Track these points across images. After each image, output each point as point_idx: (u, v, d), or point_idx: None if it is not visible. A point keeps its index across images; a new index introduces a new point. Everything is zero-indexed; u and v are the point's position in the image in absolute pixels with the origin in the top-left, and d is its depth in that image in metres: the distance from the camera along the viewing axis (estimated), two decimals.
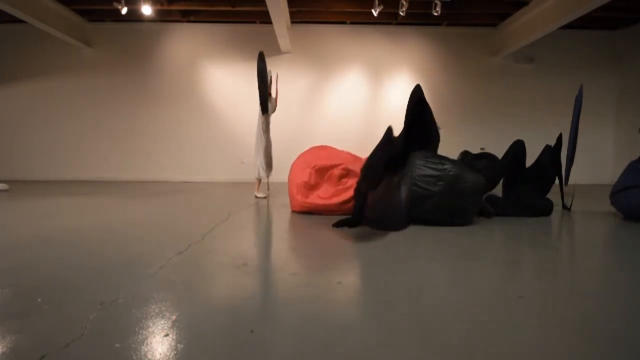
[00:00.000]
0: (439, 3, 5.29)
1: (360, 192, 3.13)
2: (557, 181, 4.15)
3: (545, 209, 3.72)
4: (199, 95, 7.09)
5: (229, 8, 6.17)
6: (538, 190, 3.90)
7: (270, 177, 4.90)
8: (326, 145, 4.27)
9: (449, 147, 4.00)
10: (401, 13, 5.51)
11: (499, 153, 6.39)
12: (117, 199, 4.68)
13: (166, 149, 7.11)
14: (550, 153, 4.06)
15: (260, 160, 4.74)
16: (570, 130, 4.36)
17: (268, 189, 5.04)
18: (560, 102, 7.15)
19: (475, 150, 6.40)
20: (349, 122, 7.08)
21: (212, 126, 7.10)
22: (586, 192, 5.40)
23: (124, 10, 5.56)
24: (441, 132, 3.67)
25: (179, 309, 1.47)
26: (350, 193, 3.56)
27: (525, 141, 4.05)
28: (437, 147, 3.54)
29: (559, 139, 4.24)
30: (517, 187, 3.85)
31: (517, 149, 3.98)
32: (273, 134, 4.86)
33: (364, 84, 7.17)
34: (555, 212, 3.83)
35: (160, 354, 1.16)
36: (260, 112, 4.73)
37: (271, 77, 4.78)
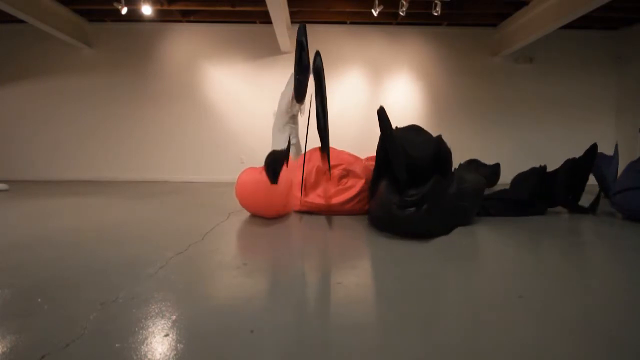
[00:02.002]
0: (439, 3, 5.29)
1: (375, 182, 3.03)
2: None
3: (536, 210, 3.66)
4: (199, 95, 7.09)
5: (229, 8, 6.17)
6: (544, 203, 3.79)
7: None
8: None
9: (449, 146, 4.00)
10: (401, 13, 5.50)
11: (499, 152, 6.40)
12: (117, 199, 4.68)
13: (166, 149, 7.11)
14: (572, 168, 3.84)
15: None
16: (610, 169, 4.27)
17: None
18: (560, 102, 7.15)
19: (476, 150, 6.42)
20: (349, 122, 7.08)
21: (212, 126, 7.10)
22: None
23: (124, 10, 5.56)
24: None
25: (179, 309, 1.47)
26: (350, 193, 3.56)
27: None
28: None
29: (593, 150, 3.86)
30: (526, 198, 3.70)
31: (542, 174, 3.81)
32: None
33: (364, 84, 7.17)
34: (555, 212, 3.83)
35: (160, 354, 1.16)
36: (292, 109, 4.16)
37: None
